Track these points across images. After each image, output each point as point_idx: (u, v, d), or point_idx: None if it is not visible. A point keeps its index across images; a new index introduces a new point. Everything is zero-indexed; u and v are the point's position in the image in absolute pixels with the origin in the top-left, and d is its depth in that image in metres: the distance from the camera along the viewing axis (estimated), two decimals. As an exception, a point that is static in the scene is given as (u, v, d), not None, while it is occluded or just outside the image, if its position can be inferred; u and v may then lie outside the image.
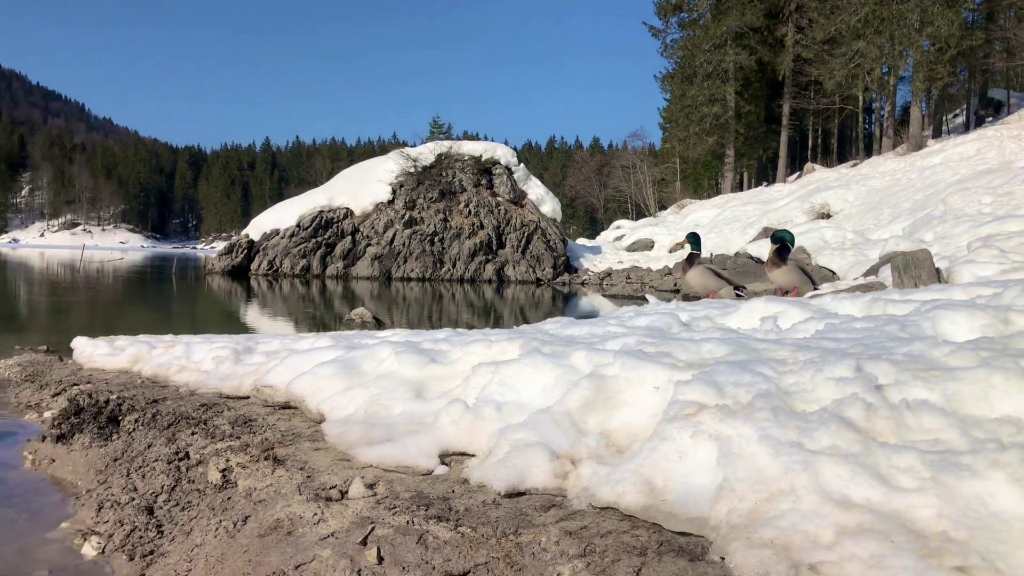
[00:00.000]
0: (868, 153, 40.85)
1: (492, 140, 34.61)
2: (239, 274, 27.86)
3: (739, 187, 48.31)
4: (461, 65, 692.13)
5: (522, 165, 32.60)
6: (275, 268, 28.24)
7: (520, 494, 2.10)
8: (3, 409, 4.83)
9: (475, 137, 42.95)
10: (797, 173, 41.13)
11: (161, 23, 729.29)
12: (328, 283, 25.05)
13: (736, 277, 6.92)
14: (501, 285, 27.32)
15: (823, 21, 36.57)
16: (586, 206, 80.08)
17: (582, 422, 2.28)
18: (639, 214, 54.87)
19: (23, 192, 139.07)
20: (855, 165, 34.07)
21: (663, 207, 49.99)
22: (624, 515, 1.86)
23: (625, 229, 38.81)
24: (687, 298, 8.29)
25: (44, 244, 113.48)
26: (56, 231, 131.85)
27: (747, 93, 45.26)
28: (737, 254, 19.82)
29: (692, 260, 6.59)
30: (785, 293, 6.45)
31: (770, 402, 2.00)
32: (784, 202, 29.72)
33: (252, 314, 13.76)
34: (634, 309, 4.95)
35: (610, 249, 33.72)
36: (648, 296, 5.24)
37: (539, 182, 32.97)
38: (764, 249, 18.28)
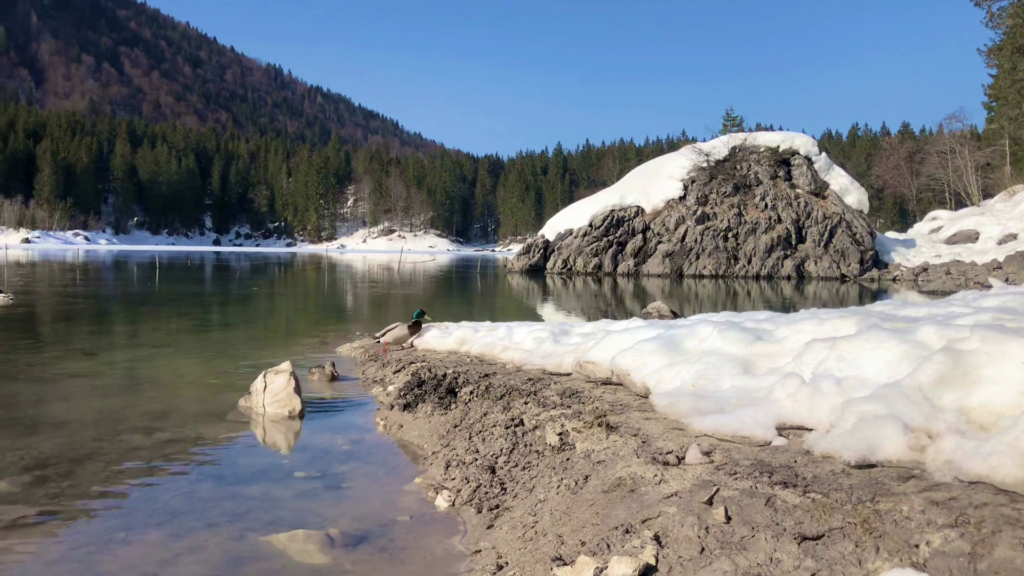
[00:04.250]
0: None
1: (788, 131, 32.97)
2: (535, 273, 29.19)
3: (1086, 169, 41.84)
4: (754, 61, 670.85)
5: (823, 154, 30.76)
6: (568, 267, 29.22)
7: (870, 466, 2.03)
8: (355, 384, 5.54)
9: (769, 129, 41.26)
10: None
11: (465, 52, 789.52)
12: (619, 280, 25.44)
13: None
14: (801, 281, 26.03)
15: None
16: (895, 197, 73.70)
17: (935, 397, 2.15)
18: (958, 203, 49.49)
19: (348, 203, 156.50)
20: None
21: (988, 195, 44.67)
22: (999, 489, 1.73)
23: (943, 220, 35.26)
24: None
25: (366, 249, 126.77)
26: (376, 237, 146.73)
27: (1098, 60, 39.05)
28: (1086, 244, 17.27)
29: None
30: None
31: None
32: None
33: (550, 307, 14.39)
34: (976, 292, 4.54)
35: (925, 242, 30.79)
36: (992, 280, 4.77)
37: (842, 171, 30.92)
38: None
